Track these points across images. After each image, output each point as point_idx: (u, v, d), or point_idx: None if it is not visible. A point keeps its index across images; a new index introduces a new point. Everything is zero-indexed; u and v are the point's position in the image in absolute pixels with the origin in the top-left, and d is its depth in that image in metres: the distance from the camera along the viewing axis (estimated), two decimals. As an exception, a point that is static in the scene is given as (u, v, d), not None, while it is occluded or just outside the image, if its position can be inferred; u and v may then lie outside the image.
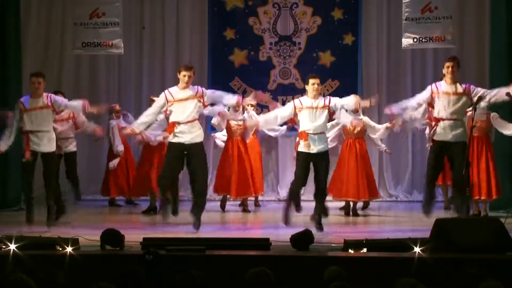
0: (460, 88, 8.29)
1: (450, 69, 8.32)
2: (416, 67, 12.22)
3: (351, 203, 9.91)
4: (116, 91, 12.44)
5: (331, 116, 8.68)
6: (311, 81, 8.50)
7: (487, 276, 4.36)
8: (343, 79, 12.21)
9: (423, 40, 10.02)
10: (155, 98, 9.47)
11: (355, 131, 9.91)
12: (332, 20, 12.28)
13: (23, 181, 9.08)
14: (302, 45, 12.36)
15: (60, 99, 8.86)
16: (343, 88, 12.08)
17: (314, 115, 8.40)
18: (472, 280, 4.32)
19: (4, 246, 6.27)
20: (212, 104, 8.83)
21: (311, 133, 8.35)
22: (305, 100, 8.51)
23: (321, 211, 8.36)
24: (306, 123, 8.41)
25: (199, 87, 8.56)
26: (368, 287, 5.51)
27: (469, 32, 11.94)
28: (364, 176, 9.83)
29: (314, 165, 8.42)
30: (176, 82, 12.81)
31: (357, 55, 12.23)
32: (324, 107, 8.43)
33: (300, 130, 8.49)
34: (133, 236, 7.12)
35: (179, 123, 8.32)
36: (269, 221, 9.63)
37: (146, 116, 8.62)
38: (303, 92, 12.24)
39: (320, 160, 8.37)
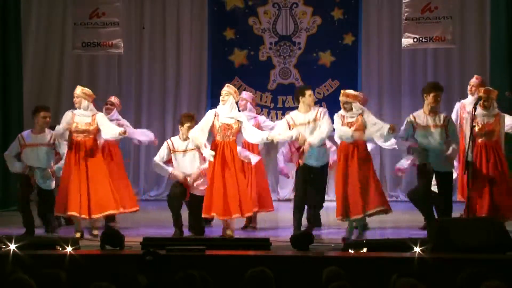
0: (439, 120, 8.06)
1: (439, 98, 8.11)
2: (416, 67, 12.21)
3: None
4: (116, 91, 12.42)
5: None
6: (307, 92, 8.40)
7: (489, 276, 4.36)
8: (343, 79, 12.20)
9: (423, 40, 10.01)
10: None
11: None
12: (332, 20, 12.28)
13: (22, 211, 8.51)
14: (302, 45, 12.36)
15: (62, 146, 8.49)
16: (343, 88, 12.02)
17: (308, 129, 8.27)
18: (474, 279, 4.31)
19: (4, 246, 6.27)
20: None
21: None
22: (297, 116, 8.37)
23: (312, 219, 8.34)
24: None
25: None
26: (368, 287, 5.51)
27: (469, 32, 11.94)
28: (368, 188, 8.10)
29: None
30: (176, 83, 12.85)
31: (357, 55, 12.22)
32: (316, 120, 8.30)
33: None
34: (133, 236, 7.13)
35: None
36: (269, 221, 9.61)
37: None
38: (302, 92, 12.31)
39: (311, 175, 8.25)
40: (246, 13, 12.40)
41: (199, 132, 8.20)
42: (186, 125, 8.51)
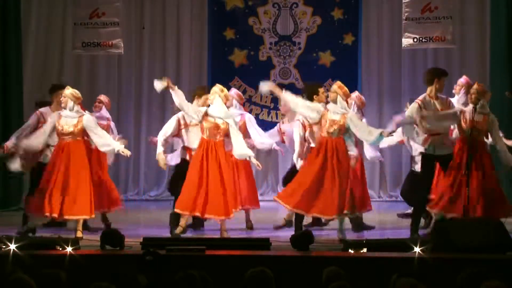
0: (444, 104, 8.02)
1: (444, 83, 8.09)
2: (416, 67, 12.22)
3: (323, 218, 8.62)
4: (116, 91, 12.45)
5: None
6: (321, 90, 8.40)
7: (489, 276, 4.36)
8: (343, 79, 12.04)
9: (423, 40, 10.02)
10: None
11: (332, 129, 7.93)
12: (332, 20, 12.29)
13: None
14: (302, 45, 12.37)
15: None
16: (343, 88, 12.09)
17: None
18: (474, 279, 4.32)
19: (4, 246, 6.27)
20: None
21: None
22: None
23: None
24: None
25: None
26: (368, 287, 5.51)
27: (469, 32, 11.95)
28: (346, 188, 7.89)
29: None
30: (176, 83, 12.89)
31: (357, 55, 12.24)
32: None
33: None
34: (133, 236, 7.13)
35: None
36: (269, 221, 9.61)
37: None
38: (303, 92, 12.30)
39: None
40: (246, 13, 12.41)
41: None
42: (204, 96, 8.39)
